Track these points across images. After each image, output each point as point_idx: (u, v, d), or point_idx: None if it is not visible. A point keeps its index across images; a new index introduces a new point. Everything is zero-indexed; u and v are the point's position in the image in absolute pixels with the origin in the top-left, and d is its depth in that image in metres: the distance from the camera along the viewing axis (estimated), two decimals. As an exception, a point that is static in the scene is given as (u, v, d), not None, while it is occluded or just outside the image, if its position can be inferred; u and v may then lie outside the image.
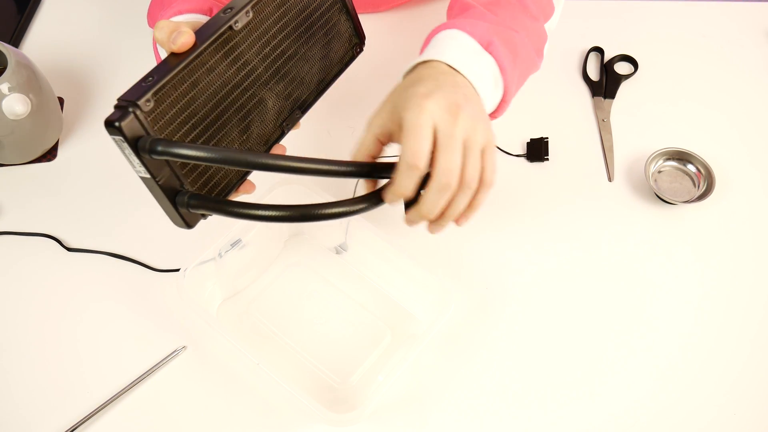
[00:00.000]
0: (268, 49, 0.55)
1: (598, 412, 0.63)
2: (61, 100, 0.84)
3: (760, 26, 0.94)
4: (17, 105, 0.71)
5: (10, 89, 0.71)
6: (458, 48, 0.59)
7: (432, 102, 0.51)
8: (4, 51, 0.72)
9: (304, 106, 0.60)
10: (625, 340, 0.67)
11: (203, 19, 0.61)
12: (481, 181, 0.54)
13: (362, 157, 0.56)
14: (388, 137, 0.55)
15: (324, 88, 0.62)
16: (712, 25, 0.94)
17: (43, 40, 0.92)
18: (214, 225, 0.64)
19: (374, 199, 0.51)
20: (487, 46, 0.61)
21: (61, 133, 0.81)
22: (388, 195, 0.52)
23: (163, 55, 0.63)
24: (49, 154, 0.80)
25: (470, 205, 0.56)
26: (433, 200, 0.52)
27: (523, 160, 0.80)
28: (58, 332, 0.67)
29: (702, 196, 0.76)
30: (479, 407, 0.63)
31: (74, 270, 0.71)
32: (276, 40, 0.55)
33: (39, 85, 0.74)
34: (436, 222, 0.56)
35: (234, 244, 0.67)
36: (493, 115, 0.65)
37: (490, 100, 0.61)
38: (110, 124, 0.45)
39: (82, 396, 0.63)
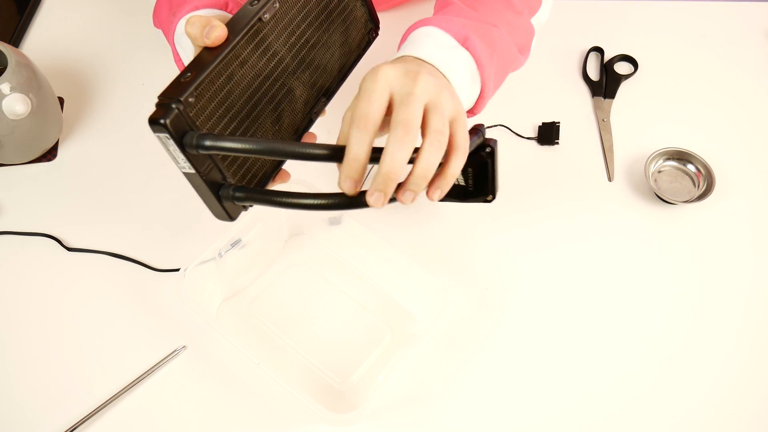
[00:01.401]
0: (293, 39, 0.55)
1: (599, 411, 0.63)
2: (61, 100, 0.84)
3: (760, 26, 0.94)
4: (17, 105, 0.71)
5: (10, 89, 0.71)
6: (433, 44, 0.59)
7: (388, 67, 0.49)
8: (4, 51, 0.72)
9: (328, 93, 0.60)
10: (625, 339, 0.67)
11: (220, 13, 0.62)
12: (451, 145, 0.50)
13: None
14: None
15: (345, 74, 0.62)
16: (712, 25, 0.94)
17: (43, 40, 0.92)
18: (215, 225, 0.64)
19: None
20: (464, 42, 0.60)
21: (61, 133, 0.81)
22: (341, 169, 0.48)
23: (183, 50, 0.63)
24: (49, 154, 0.80)
25: (442, 173, 0.51)
26: (391, 152, 0.46)
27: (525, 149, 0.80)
28: (58, 332, 0.67)
29: (702, 196, 0.76)
30: (479, 407, 0.64)
31: (74, 270, 0.71)
32: (300, 29, 0.56)
33: (39, 84, 0.74)
34: (404, 185, 0.49)
35: (234, 244, 0.67)
36: (472, 111, 0.65)
37: (468, 94, 0.61)
38: (155, 122, 0.45)
39: (82, 395, 0.63)
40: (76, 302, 0.69)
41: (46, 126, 0.77)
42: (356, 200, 0.48)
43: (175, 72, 0.67)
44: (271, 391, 0.64)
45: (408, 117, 0.47)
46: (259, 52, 0.52)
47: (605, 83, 0.87)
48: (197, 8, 0.62)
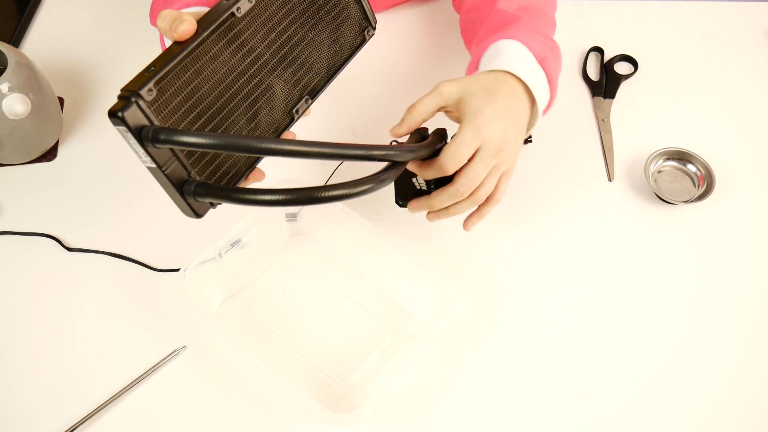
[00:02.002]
0: (273, 35, 0.54)
1: (599, 411, 0.63)
2: (61, 100, 0.84)
3: (760, 26, 0.94)
4: (17, 105, 0.71)
5: (10, 89, 0.71)
6: (522, 60, 0.64)
7: (495, 128, 0.58)
8: (4, 51, 0.73)
9: (314, 92, 0.60)
10: (625, 339, 0.67)
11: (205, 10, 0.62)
12: (491, 198, 0.63)
13: (418, 114, 0.60)
14: (441, 110, 0.62)
15: (334, 73, 0.62)
16: (712, 25, 0.94)
17: (43, 40, 0.92)
18: (214, 225, 0.64)
19: (376, 180, 0.51)
20: (541, 61, 0.66)
21: (61, 133, 0.81)
22: (417, 206, 0.63)
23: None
24: (49, 154, 0.80)
25: (477, 213, 0.65)
26: (442, 201, 0.60)
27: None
28: (58, 332, 0.67)
29: (702, 196, 0.76)
30: (479, 407, 0.64)
31: (74, 270, 0.71)
32: (282, 26, 0.55)
33: (39, 84, 0.75)
34: (435, 214, 0.63)
35: (234, 244, 0.67)
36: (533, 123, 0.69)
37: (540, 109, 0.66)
38: (113, 115, 0.45)
39: (82, 395, 0.63)
40: (76, 302, 0.69)
41: (46, 126, 0.77)
42: (314, 196, 0.47)
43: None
44: (271, 391, 0.64)
45: (472, 182, 0.59)
46: (232, 47, 0.52)
47: (605, 83, 0.87)
48: (188, 5, 0.62)
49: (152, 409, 0.63)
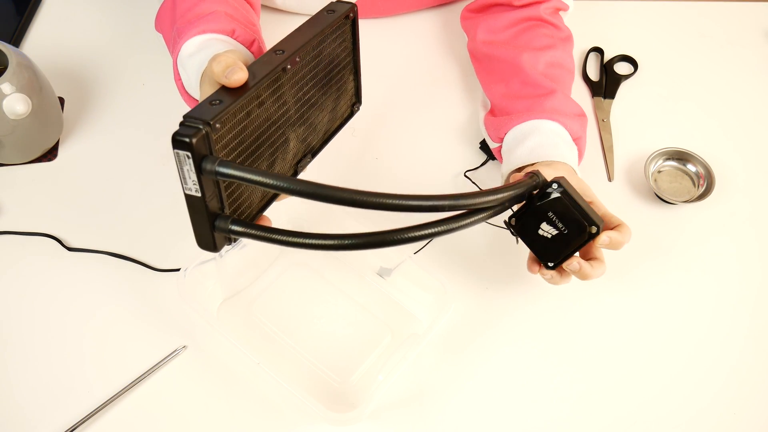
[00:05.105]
0: (300, 93, 0.57)
1: (598, 411, 0.63)
2: (61, 100, 0.84)
3: (760, 26, 0.94)
4: (18, 105, 0.71)
5: (11, 89, 0.71)
6: (566, 146, 0.69)
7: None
8: (5, 51, 0.73)
9: (313, 152, 0.62)
10: (624, 338, 0.67)
11: (225, 39, 0.63)
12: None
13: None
14: None
15: (328, 138, 0.64)
16: (712, 25, 0.94)
17: (43, 40, 0.92)
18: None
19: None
20: (576, 140, 0.71)
21: (62, 133, 0.81)
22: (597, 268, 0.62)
23: (185, 71, 0.63)
24: (50, 154, 0.80)
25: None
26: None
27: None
28: (58, 332, 0.67)
29: (702, 196, 0.76)
30: (479, 406, 0.64)
31: (74, 270, 0.71)
32: (307, 86, 0.57)
33: (39, 85, 0.75)
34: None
35: (234, 244, 0.67)
36: None
37: None
38: (180, 140, 0.45)
39: (82, 395, 0.63)
40: (76, 302, 0.69)
41: (47, 126, 0.77)
42: (352, 244, 0.48)
43: (173, 76, 0.67)
44: (271, 391, 0.64)
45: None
46: (274, 98, 0.53)
47: (605, 83, 0.87)
48: (205, 32, 0.62)
49: (153, 408, 0.63)
